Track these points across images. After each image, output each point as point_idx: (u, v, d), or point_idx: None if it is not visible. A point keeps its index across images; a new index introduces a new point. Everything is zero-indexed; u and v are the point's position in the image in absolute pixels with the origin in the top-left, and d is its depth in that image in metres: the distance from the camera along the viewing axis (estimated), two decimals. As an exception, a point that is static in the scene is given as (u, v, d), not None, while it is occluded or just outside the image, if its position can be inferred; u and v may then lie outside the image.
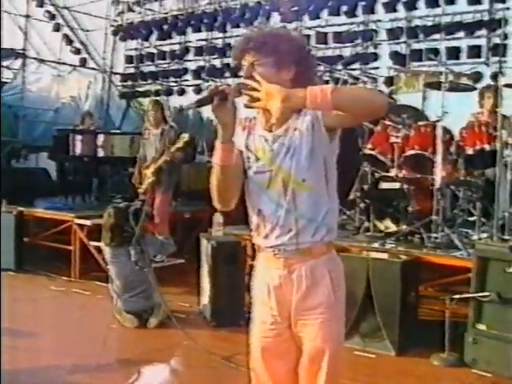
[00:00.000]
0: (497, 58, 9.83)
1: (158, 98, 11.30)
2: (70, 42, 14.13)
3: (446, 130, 6.13)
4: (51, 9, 13.89)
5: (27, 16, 13.76)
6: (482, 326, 4.94)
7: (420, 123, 6.33)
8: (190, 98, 13.63)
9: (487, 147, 5.96)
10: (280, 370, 2.64)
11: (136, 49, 14.38)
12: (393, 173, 6.32)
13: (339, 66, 9.13)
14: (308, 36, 11.60)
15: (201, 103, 2.41)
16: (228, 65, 11.13)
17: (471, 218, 6.24)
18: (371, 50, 11.13)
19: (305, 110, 2.46)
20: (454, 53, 10.14)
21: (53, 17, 13.83)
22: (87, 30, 14.63)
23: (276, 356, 2.62)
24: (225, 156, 2.46)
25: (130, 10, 14.02)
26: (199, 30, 12.82)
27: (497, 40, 9.93)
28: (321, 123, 2.47)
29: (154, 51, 13.88)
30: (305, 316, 2.57)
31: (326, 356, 2.56)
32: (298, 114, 2.49)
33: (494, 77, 9.57)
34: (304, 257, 2.54)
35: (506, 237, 5.60)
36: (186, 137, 7.13)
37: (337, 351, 2.62)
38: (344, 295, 2.70)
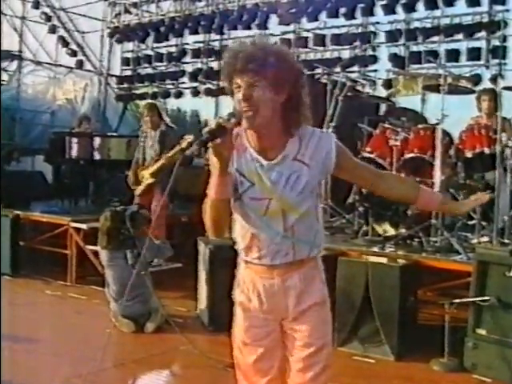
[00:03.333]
0: (496, 61, 9.88)
1: (152, 100, 11.23)
2: (66, 43, 14.16)
3: (446, 133, 6.13)
4: (47, 10, 13.90)
5: (23, 18, 13.78)
6: (482, 331, 4.94)
7: (419, 126, 6.34)
8: (187, 100, 13.68)
9: (487, 150, 5.95)
10: (268, 367, 2.68)
11: (133, 51, 14.43)
12: (392, 176, 6.31)
13: (337, 69, 9.14)
14: (306, 38, 11.65)
15: (204, 144, 2.32)
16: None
17: (471, 222, 6.25)
18: (370, 52, 11.17)
19: (304, 139, 2.50)
20: (453, 55, 10.19)
21: (49, 18, 13.85)
22: (83, 32, 14.66)
23: (265, 354, 2.67)
24: (222, 189, 2.43)
25: (127, 11, 14.05)
26: (196, 32, 12.85)
27: (496, 42, 9.98)
28: (331, 165, 2.53)
29: (151, 53, 13.92)
30: (300, 317, 2.62)
31: (323, 350, 2.62)
32: (295, 141, 2.51)
33: (494, 79, 9.62)
34: (297, 267, 2.60)
35: (506, 241, 5.61)
36: (190, 138, 7.08)
37: (330, 344, 2.69)
38: None
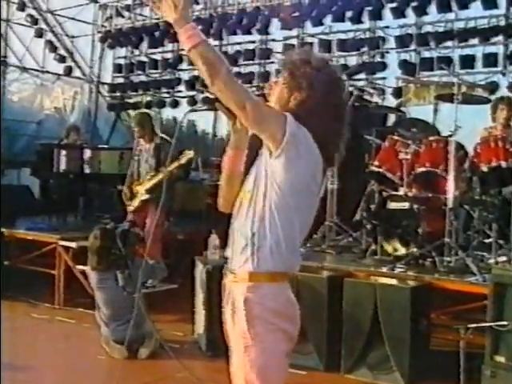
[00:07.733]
0: (514, 67, 9.88)
1: (144, 110, 11.22)
2: (54, 48, 14.16)
3: (460, 146, 6.16)
4: (33, 13, 13.93)
5: (7, 20, 13.80)
6: (500, 358, 4.92)
7: (431, 138, 6.36)
8: (184, 109, 13.70)
9: (504, 164, 5.97)
10: None
11: (125, 57, 14.46)
12: (402, 191, 6.33)
13: (344, 77, 9.18)
14: (310, 44, 11.69)
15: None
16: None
17: (487, 241, 6.25)
18: (378, 58, 11.22)
19: None
20: (467, 61, 10.20)
21: (35, 21, 13.86)
22: (73, 37, 14.69)
23: None
24: (232, 163, 2.65)
25: (119, 15, 14.07)
26: (193, 37, 12.85)
27: (514, 47, 10.00)
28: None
29: (145, 60, 13.96)
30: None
31: None
32: None
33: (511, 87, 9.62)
34: (232, 278, 2.75)
35: (525, 261, 5.62)
36: (190, 154, 7.11)
37: None
38: (278, 334, 2.69)
